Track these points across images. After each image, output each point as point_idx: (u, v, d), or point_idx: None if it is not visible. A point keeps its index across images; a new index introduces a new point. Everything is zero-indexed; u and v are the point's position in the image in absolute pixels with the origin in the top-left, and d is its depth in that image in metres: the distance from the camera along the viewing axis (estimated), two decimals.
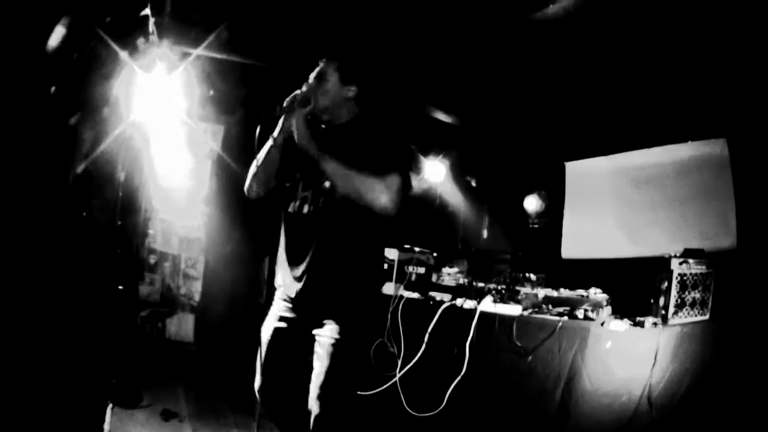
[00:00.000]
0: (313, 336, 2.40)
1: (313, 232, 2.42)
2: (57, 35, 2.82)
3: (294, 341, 2.46)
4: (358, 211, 2.35)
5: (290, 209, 2.50)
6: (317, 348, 2.37)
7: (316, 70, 2.53)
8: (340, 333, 2.33)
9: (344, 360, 2.34)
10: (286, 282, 2.50)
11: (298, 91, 2.45)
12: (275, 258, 2.59)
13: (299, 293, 2.42)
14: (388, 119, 2.55)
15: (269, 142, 2.48)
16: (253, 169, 2.56)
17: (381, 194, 2.30)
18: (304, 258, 2.42)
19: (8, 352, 2.91)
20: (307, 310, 2.43)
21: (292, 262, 2.47)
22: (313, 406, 2.30)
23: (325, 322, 2.38)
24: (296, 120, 2.39)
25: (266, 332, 2.52)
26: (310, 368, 2.38)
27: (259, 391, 2.51)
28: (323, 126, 2.57)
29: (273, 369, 2.48)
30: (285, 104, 2.41)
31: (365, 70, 2.61)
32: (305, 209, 2.46)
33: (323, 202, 2.42)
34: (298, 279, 2.43)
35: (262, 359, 2.47)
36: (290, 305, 2.48)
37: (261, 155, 2.51)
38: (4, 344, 2.90)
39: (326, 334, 2.35)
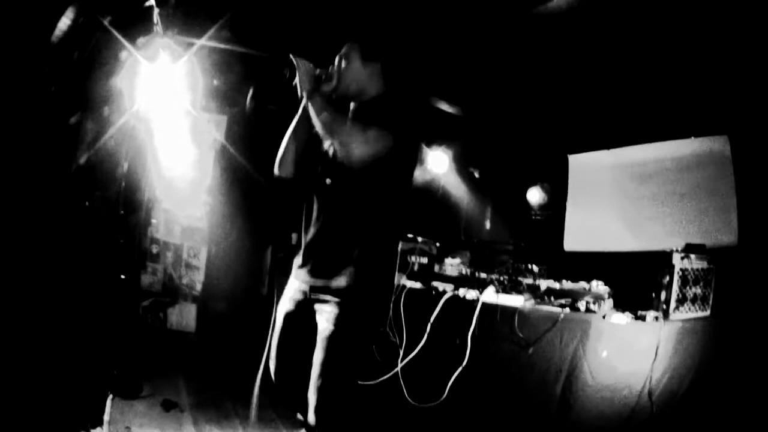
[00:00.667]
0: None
1: (328, 204, 2.40)
2: (61, 29, 2.81)
3: (302, 325, 2.40)
4: (372, 187, 2.31)
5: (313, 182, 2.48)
6: (318, 337, 2.33)
7: (340, 52, 2.50)
8: (335, 324, 2.27)
9: (340, 354, 2.28)
10: (300, 254, 2.47)
11: (321, 70, 2.42)
12: (279, 247, 2.55)
13: (306, 268, 2.40)
14: (412, 97, 2.49)
15: (294, 122, 2.47)
16: (282, 148, 2.54)
17: (353, 143, 2.21)
18: (314, 230, 2.41)
19: (9, 341, 2.92)
20: (312, 287, 2.38)
21: (306, 234, 2.45)
22: (311, 396, 2.28)
23: (325, 308, 2.32)
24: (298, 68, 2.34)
25: (279, 315, 2.49)
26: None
27: (273, 375, 2.48)
28: (351, 105, 2.53)
29: (283, 355, 2.45)
30: (308, 82, 2.35)
31: (388, 47, 2.56)
32: (325, 181, 2.42)
33: (338, 173, 2.37)
34: (307, 253, 2.41)
35: (275, 344, 2.46)
36: (298, 286, 2.44)
37: (288, 135, 2.51)
38: (5, 334, 2.91)
39: (323, 325, 2.30)
